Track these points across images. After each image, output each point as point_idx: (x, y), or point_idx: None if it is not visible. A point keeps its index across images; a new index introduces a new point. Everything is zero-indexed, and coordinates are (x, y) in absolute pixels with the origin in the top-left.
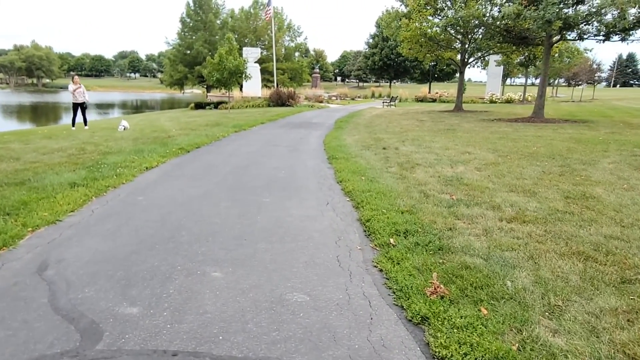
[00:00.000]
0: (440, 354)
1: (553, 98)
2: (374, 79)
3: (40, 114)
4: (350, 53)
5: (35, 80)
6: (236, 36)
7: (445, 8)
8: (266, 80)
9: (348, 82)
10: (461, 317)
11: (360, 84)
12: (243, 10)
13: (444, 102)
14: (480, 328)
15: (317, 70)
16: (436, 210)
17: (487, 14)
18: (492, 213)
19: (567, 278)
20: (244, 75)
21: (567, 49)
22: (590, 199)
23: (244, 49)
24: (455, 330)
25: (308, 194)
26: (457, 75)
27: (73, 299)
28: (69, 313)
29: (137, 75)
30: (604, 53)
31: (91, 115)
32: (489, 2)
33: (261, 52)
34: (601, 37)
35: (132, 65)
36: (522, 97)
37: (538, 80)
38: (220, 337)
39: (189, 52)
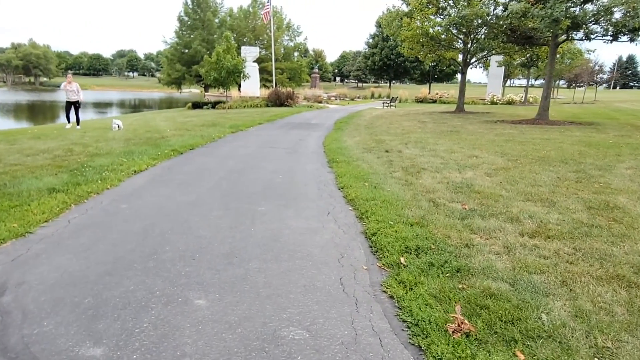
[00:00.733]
0: None
1: (554, 99)
2: (373, 80)
3: (37, 112)
4: (350, 53)
5: (32, 79)
6: (235, 35)
7: (448, 7)
8: (265, 80)
9: (347, 82)
10: None
11: (360, 84)
12: (242, 9)
13: (445, 103)
14: None
15: (316, 70)
16: (449, 223)
17: (491, 13)
18: (510, 226)
19: (612, 310)
20: (242, 75)
21: (569, 50)
22: (615, 210)
23: (243, 48)
24: None
25: (307, 202)
26: (457, 76)
27: (27, 335)
28: (18, 356)
29: (136, 74)
30: (604, 55)
31: (87, 115)
32: (492, 1)
33: (260, 52)
34: (609, 37)
35: (130, 64)
36: (523, 98)
37: (537, 82)
38: None
39: (186, 51)
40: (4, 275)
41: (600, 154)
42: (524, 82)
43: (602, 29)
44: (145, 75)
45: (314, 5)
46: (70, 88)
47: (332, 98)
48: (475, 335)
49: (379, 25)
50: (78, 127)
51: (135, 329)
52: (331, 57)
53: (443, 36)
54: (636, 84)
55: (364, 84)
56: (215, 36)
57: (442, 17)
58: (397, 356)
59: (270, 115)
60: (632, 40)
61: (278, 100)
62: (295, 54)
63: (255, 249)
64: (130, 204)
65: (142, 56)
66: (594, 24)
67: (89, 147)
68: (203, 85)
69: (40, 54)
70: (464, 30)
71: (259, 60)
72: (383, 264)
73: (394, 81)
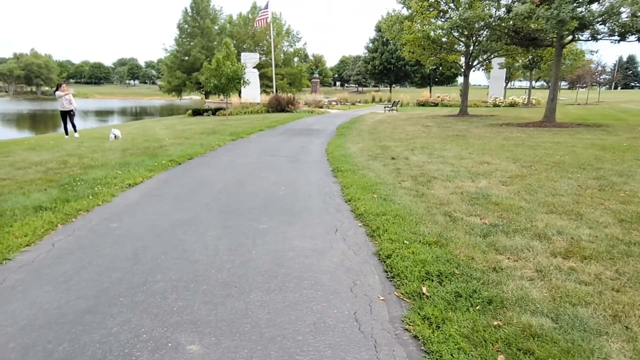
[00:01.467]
0: None
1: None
2: (373, 84)
3: (39, 121)
4: (349, 58)
5: (34, 88)
6: (234, 42)
7: (449, 10)
8: (265, 86)
9: (347, 87)
10: None
11: (360, 88)
12: (241, 15)
13: (447, 106)
14: None
15: (317, 75)
16: (470, 241)
17: (494, 15)
18: (539, 244)
19: None
20: (242, 81)
21: (572, 51)
22: None
23: (242, 54)
24: None
25: (313, 217)
26: (458, 78)
27: None
28: None
29: (137, 82)
30: (604, 55)
31: (88, 123)
32: (495, 3)
33: (260, 58)
34: (616, 38)
35: (131, 72)
36: (526, 100)
37: (537, 84)
38: None
39: (186, 58)
40: None
41: (617, 158)
42: (524, 84)
43: (608, 29)
44: (146, 83)
45: (312, 11)
46: (64, 97)
47: (333, 103)
48: None
49: (378, 29)
50: (76, 134)
51: None
52: (331, 62)
53: (444, 39)
54: (637, 84)
55: (364, 88)
56: (215, 43)
57: (443, 20)
58: None
59: (271, 121)
60: None
61: (279, 106)
62: (295, 59)
63: (257, 276)
64: (121, 223)
65: (143, 64)
66: (600, 24)
67: (84, 159)
68: (203, 92)
69: (41, 64)
70: (465, 32)
71: (259, 66)
72: (402, 294)
73: (394, 85)
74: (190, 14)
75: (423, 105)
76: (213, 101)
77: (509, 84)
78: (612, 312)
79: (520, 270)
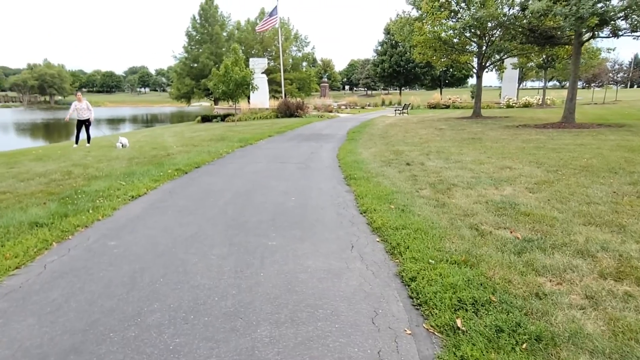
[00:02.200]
0: None
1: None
2: (382, 87)
3: (52, 130)
4: (358, 61)
5: (47, 98)
6: (243, 47)
7: (461, 10)
8: (274, 91)
9: (356, 90)
10: None
11: (369, 92)
12: (249, 21)
13: (458, 108)
14: None
15: (325, 79)
16: (504, 260)
17: (507, 14)
18: (583, 263)
19: None
20: (250, 86)
21: (587, 49)
22: None
23: (251, 59)
24: None
25: (326, 231)
26: (469, 80)
27: None
28: None
29: (147, 89)
30: (619, 53)
31: (100, 131)
32: (509, 1)
33: (268, 63)
34: (639, 34)
35: (142, 80)
36: (540, 100)
37: (550, 83)
38: None
39: (195, 65)
40: None
41: None
42: (536, 84)
43: (631, 25)
44: (156, 91)
45: (320, 15)
46: (81, 106)
47: (342, 107)
48: None
49: (387, 32)
50: (88, 144)
51: None
52: (339, 66)
53: (456, 40)
54: None
55: (373, 92)
56: (223, 49)
57: (454, 20)
58: None
59: (280, 126)
60: None
61: (288, 111)
62: (304, 64)
63: (266, 304)
64: (120, 241)
65: (153, 72)
66: (622, 19)
67: (89, 169)
68: (212, 99)
69: (54, 74)
70: (478, 32)
71: (267, 72)
72: (432, 327)
73: (404, 87)
74: (198, 21)
75: (434, 107)
76: (222, 107)
77: (521, 85)
78: None
79: (568, 296)
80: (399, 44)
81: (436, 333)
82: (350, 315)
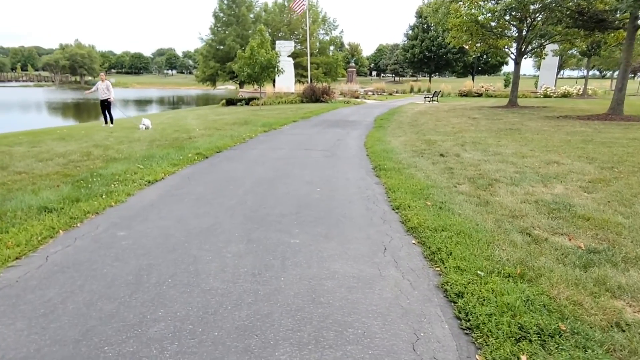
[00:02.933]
0: None
1: (612, 91)
2: (411, 73)
3: (82, 110)
4: (387, 47)
5: (78, 78)
6: (269, 30)
7: None
8: (300, 75)
9: (384, 76)
10: None
11: (397, 78)
12: (277, 3)
13: (492, 96)
14: None
15: (353, 64)
16: (568, 275)
17: None
18: None
19: None
20: (276, 70)
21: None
22: None
23: (277, 42)
24: None
25: (354, 229)
26: (503, 68)
27: None
28: None
29: (174, 72)
30: None
31: (126, 112)
32: None
33: (295, 46)
34: None
35: (169, 62)
36: (581, 90)
37: (590, 73)
38: None
39: (221, 47)
40: None
41: None
42: (574, 73)
43: None
44: (183, 73)
45: None
46: (102, 86)
47: (370, 93)
48: None
49: (419, 15)
50: (111, 125)
51: None
52: (367, 51)
53: (493, 23)
54: None
55: (402, 78)
56: (250, 32)
57: (494, 2)
58: None
59: (305, 112)
60: None
61: (313, 96)
62: (331, 48)
63: (286, 317)
64: (130, 231)
65: (180, 54)
66: None
67: (109, 150)
68: (238, 82)
69: (85, 54)
70: (518, 15)
71: (293, 55)
72: None
73: (434, 74)
74: (225, 2)
75: (465, 95)
76: (247, 91)
77: (559, 74)
78: None
79: None
80: (432, 27)
81: None
82: (385, 338)
